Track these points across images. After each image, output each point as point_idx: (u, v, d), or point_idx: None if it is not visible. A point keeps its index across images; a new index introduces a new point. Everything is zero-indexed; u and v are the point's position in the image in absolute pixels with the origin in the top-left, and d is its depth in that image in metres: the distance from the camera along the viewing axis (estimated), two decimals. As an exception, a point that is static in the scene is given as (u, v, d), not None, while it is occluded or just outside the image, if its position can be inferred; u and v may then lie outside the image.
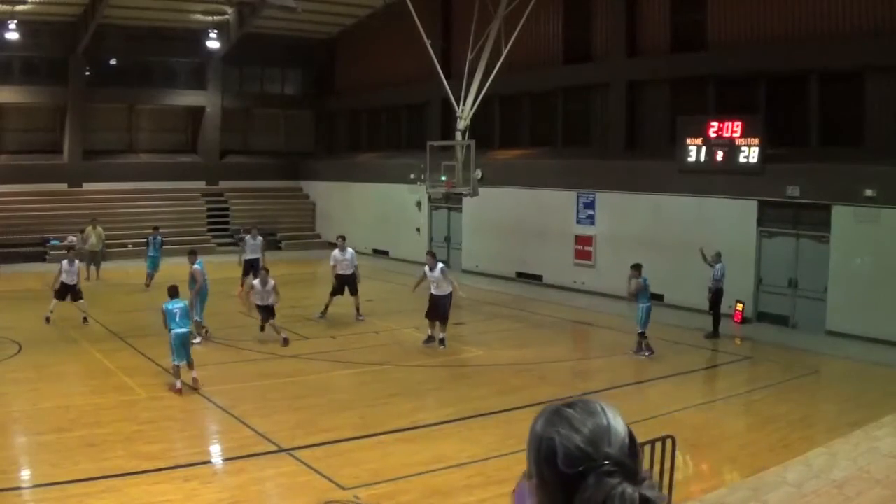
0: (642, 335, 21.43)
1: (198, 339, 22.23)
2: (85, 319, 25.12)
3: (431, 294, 22.32)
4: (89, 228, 36.06)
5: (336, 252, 26.49)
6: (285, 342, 21.98)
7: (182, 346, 17.77)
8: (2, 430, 15.57)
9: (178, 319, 17.79)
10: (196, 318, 22.58)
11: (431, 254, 23.39)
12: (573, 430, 2.16)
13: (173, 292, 18.72)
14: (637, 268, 21.65)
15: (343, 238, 26.83)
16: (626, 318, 26.38)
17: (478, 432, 15.54)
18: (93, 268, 34.92)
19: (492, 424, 15.83)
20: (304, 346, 22.70)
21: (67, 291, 25.17)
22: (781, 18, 26.45)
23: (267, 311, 22.38)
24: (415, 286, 23.54)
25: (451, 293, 22.34)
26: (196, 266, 23.51)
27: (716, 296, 24.08)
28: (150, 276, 31.75)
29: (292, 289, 28.75)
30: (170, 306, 18.07)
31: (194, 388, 17.60)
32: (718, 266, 23.97)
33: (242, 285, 28.60)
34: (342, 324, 25.67)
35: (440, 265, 22.53)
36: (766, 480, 11.27)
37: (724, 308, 24.54)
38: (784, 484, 10.88)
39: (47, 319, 24.78)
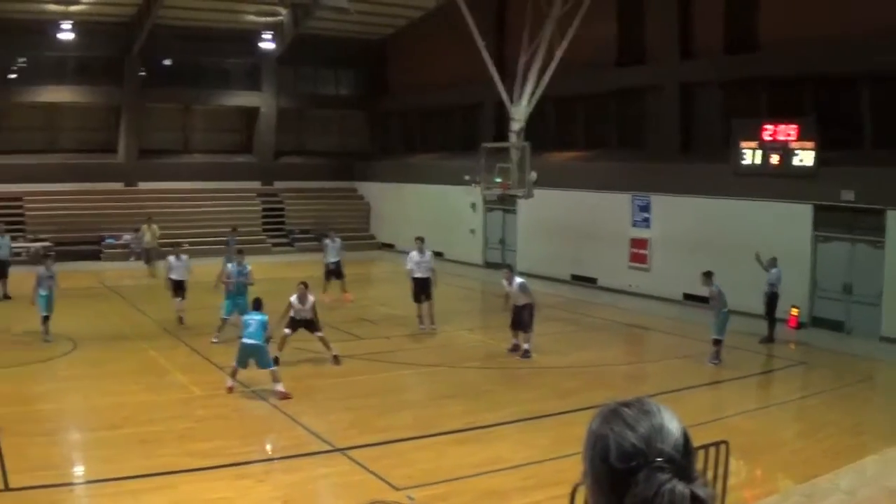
0: (717, 342, 21.16)
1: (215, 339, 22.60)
2: (181, 320, 25.08)
3: (513, 305, 22.13)
4: (144, 226, 36.88)
5: (414, 253, 25.69)
6: (336, 360, 20.65)
7: (246, 356, 17.79)
8: (56, 426, 15.91)
9: (250, 330, 17.79)
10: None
11: (509, 268, 22.89)
12: (627, 428, 2.17)
13: (256, 304, 18.89)
14: (708, 275, 21.40)
15: (422, 239, 26.08)
16: (680, 322, 26.46)
17: (532, 434, 15.61)
18: (151, 264, 35.74)
19: (546, 427, 15.92)
20: (358, 347, 22.84)
21: (179, 288, 25.22)
22: (836, 18, 26.05)
23: (309, 325, 20.81)
24: (503, 306, 22.93)
25: (529, 304, 21.80)
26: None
27: (771, 300, 23.98)
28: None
29: (336, 289, 29.02)
30: (247, 317, 18.28)
31: (282, 398, 17.45)
32: (774, 271, 23.87)
33: (324, 291, 28.87)
34: (397, 325, 25.78)
35: (518, 280, 21.95)
36: (819, 487, 11.26)
37: (779, 313, 24.40)
38: (837, 491, 10.87)
39: (180, 320, 25.01)
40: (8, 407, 16.35)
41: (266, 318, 18.24)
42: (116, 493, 12.19)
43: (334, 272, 29.71)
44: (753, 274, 24.49)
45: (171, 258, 25.70)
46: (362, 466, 13.54)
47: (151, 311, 26.94)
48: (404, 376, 20.66)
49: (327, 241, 30.77)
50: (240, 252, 24.80)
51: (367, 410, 17.07)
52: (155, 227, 37.12)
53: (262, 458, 14.60)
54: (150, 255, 36.48)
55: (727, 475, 10.66)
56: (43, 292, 22.50)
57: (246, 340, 17.77)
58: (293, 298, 20.44)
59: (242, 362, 17.86)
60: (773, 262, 23.92)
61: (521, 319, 21.79)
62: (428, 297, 25.37)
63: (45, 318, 22.63)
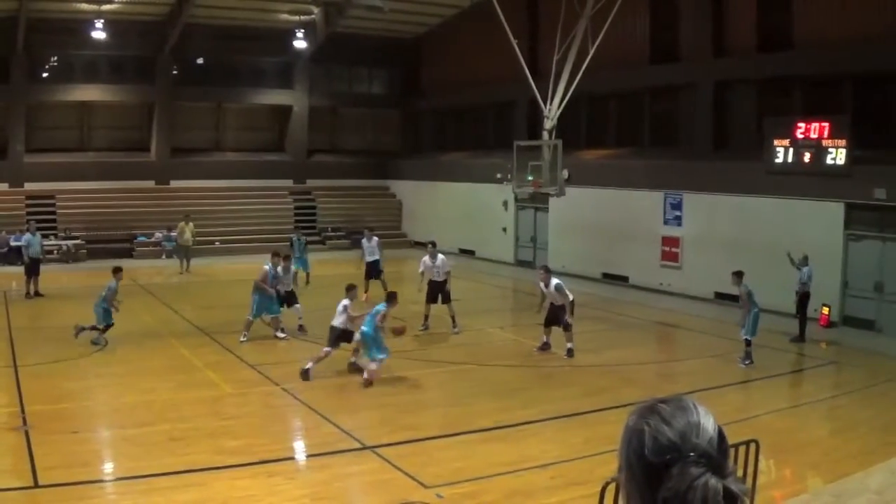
0: (748, 343, 20.87)
1: (283, 334, 22.73)
2: (301, 327, 23.91)
3: (551, 304, 21.96)
4: (182, 224, 37.14)
5: (426, 258, 25.00)
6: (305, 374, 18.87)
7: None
8: (87, 423, 16.02)
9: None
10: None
11: (545, 269, 22.52)
12: (664, 423, 2.19)
13: (390, 297, 19.24)
14: (738, 275, 21.18)
15: (433, 244, 25.67)
16: (712, 321, 26.34)
17: (562, 433, 15.63)
18: (184, 261, 36.19)
19: (576, 426, 15.90)
20: (388, 345, 22.87)
21: (291, 299, 24.17)
22: (869, 17, 25.92)
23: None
24: (538, 306, 22.71)
25: (565, 304, 21.51)
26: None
27: (802, 299, 23.85)
28: (307, 276, 31.76)
29: (377, 287, 28.93)
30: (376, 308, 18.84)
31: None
32: (805, 269, 23.74)
33: (366, 290, 28.60)
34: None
35: (555, 281, 21.60)
36: (848, 487, 11.25)
37: (810, 311, 24.27)
38: (866, 491, 10.86)
39: (301, 328, 23.95)
40: (38, 404, 16.46)
41: (380, 308, 18.79)
42: (146, 490, 12.25)
43: (371, 272, 29.59)
44: (785, 272, 24.38)
45: (277, 268, 23.92)
46: (391, 464, 13.54)
47: (183, 308, 27.06)
48: (434, 374, 20.60)
49: (364, 239, 30.37)
50: (277, 255, 24.24)
51: (396, 408, 17.09)
52: (192, 224, 37.46)
53: (292, 455, 14.63)
54: (188, 253, 36.88)
55: (757, 474, 10.62)
56: (105, 305, 22.33)
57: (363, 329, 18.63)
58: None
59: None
60: (804, 261, 23.81)
61: (558, 318, 21.69)
62: (445, 299, 24.96)
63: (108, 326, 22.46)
